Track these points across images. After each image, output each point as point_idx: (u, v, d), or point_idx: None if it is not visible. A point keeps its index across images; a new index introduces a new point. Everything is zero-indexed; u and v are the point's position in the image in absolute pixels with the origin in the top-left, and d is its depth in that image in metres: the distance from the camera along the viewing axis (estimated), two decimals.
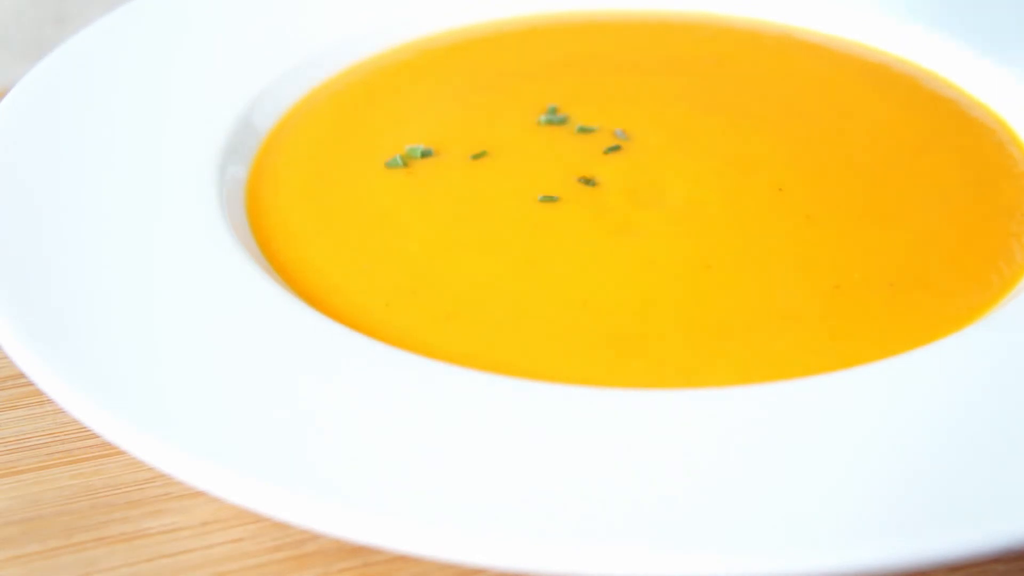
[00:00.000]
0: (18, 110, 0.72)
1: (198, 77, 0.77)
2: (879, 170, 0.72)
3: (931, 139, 0.75)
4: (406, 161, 0.72)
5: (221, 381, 0.54)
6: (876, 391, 0.54)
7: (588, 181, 0.70)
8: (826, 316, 0.61)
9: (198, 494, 0.59)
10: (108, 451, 0.61)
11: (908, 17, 0.85)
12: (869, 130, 0.76)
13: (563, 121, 0.76)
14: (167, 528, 0.57)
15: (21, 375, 0.65)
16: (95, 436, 0.62)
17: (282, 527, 0.57)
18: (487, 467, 0.50)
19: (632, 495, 0.49)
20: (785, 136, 0.74)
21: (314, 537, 0.57)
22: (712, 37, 0.86)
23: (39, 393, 0.64)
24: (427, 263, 0.64)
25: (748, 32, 0.87)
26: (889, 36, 0.84)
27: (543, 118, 0.76)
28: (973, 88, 0.80)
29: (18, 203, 0.64)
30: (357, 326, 0.60)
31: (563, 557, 0.46)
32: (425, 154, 0.73)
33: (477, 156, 0.72)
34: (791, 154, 0.73)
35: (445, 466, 0.50)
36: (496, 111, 0.77)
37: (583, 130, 0.74)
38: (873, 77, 0.82)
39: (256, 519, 0.57)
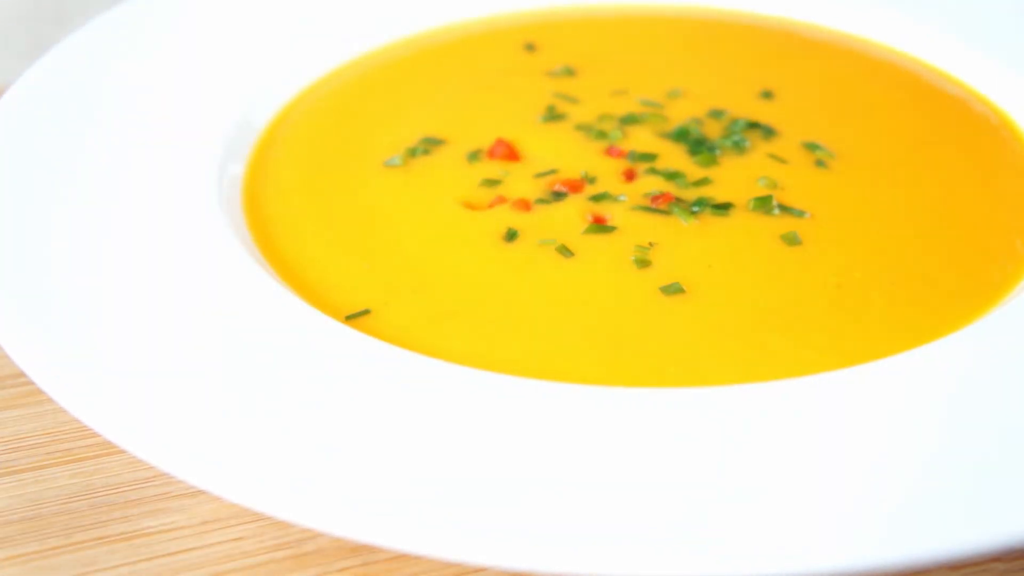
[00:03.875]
0: (16, 109, 0.72)
1: (196, 75, 0.77)
2: (882, 167, 0.72)
3: (934, 136, 0.75)
4: (405, 160, 0.72)
5: (219, 379, 0.54)
6: (877, 390, 0.54)
7: (588, 180, 0.70)
8: (827, 315, 0.61)
9: (198, 493, 0.59)
10: (107, 450, 0.61)
11: (912, 13, 0.85)
12: (872, 126, 0.76)
13: (563, 119, 0.75)
14: (167, 527, 0.57)
15: (21, 374, 0.64)
16: (94, 435, 0.61)
17: (282, 526, 0.57)
18: (487, 466, 0.50)
19: (632, 495, 0.49)
20: (787, 133, 0.74)
21: (314, 536, 0.57)
22: (714, 33, 0.86)
23: (38, 392, 0.64)
24: (427, 263, 0.64)
25: (750, 28, 0.87)
26: (893, 32, 0.84)
27: (543, 117, 0.76)
28: (977, 85, 0.79)
29: (17, 202, 0.64)
30: (357, 325, 0.60)
31: (563, 557, 0.46)
32: (424, 153, 0.72)
33: (476, 154, 0.72)
34: (793, 151, 0.72)
35: (445, 466, 0.50)
36: (496, 109, 0.77)
37: (583, 128, 0.74)
38: (877, 73, 0.82)
39: (256, 518, 0.57)
